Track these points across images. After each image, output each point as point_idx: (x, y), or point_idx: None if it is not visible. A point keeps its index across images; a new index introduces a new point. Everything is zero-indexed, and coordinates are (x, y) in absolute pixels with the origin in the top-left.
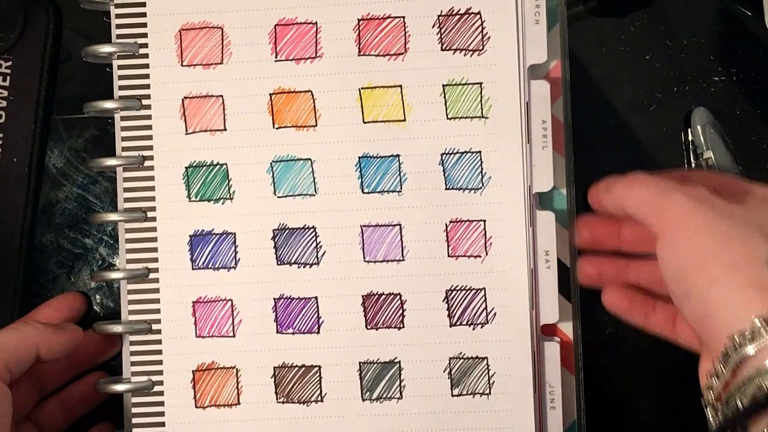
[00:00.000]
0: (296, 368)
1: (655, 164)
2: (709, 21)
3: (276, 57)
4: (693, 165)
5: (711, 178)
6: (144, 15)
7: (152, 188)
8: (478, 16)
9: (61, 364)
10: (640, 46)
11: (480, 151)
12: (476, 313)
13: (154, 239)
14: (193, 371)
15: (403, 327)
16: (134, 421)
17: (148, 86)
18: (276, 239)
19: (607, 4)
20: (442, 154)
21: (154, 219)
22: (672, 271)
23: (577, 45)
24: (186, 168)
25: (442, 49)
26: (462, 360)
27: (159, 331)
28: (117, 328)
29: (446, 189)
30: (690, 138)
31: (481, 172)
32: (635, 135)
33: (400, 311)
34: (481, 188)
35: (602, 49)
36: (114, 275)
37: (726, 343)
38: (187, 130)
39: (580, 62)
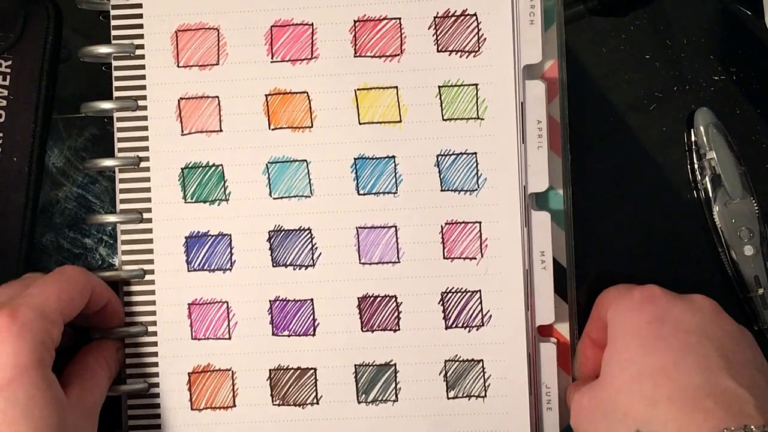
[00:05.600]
0: (292, 370)
1: (655, 164)
2: (709, 21)
3: (272, 58)
4: (696, 166)
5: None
6: (140, 16)
7: (148, 189)
8: (474, 17)
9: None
10: (640, 46)
11: (475, 153)
12: (472, 315)
13: (150, 241)
14: (188, 373)
15: (399, 329)
16: (130, 423)
17: (144, 87)
18: (271, 241)
19: (607, 4)
20: (437, 156)
21: (149, 220)
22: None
23: (577, 45)
24: (182, 169)
25: (438, 51)
26: (457, 362)
27: (155, 333)
28: (114, 331)
29: (442, 190)
30: (693, 139)
31: (477, 173)
32: (635, 135)
33: (396, 313)
34: (476, 190)
35: (602, 49)
36: (110, 275)
37: None
38: (182, 131)
39: (579, 62)
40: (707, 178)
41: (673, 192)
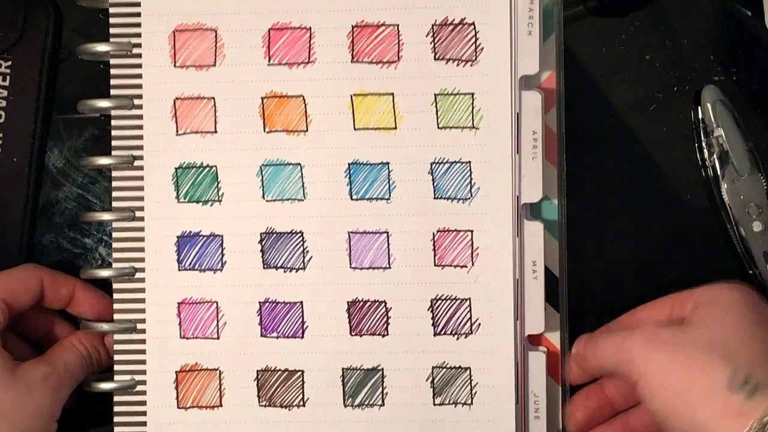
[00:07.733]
0: (279, 372)
1: (654, 164)
2: (709, 21)
3: (269, 61)
4: (704, 143)
5: (655, 308)
6: (139, 15)
7: (141, 188)
8: (472, 26)
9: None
10: (640, 46)
11: (469, 162)
12: (461, 322)
13: (142, 239)
14: (176, 372)
15: (388, 335)
16: (116, 419)
17: (140, 86)
18: (263, 243)
19: (607, 4)
20: (431, 164)
21: (142, 219)
22: (662, 414)
23: (577, 45)
24: (176, 169)
25: (435, 59)
26: (445, 369)
27: (143, 331)
28: (103, 327)
29: (435, 198)
30: (700, 116)
31: (470, 182)
32: (635, 135)
33: (385, 319)
34: (469, 199)
35: (602, 49)
36: (102, 273)
37: None
38: (177, 131)
39: (580, 62)
40: (715, 156)
41: (673, 191)
